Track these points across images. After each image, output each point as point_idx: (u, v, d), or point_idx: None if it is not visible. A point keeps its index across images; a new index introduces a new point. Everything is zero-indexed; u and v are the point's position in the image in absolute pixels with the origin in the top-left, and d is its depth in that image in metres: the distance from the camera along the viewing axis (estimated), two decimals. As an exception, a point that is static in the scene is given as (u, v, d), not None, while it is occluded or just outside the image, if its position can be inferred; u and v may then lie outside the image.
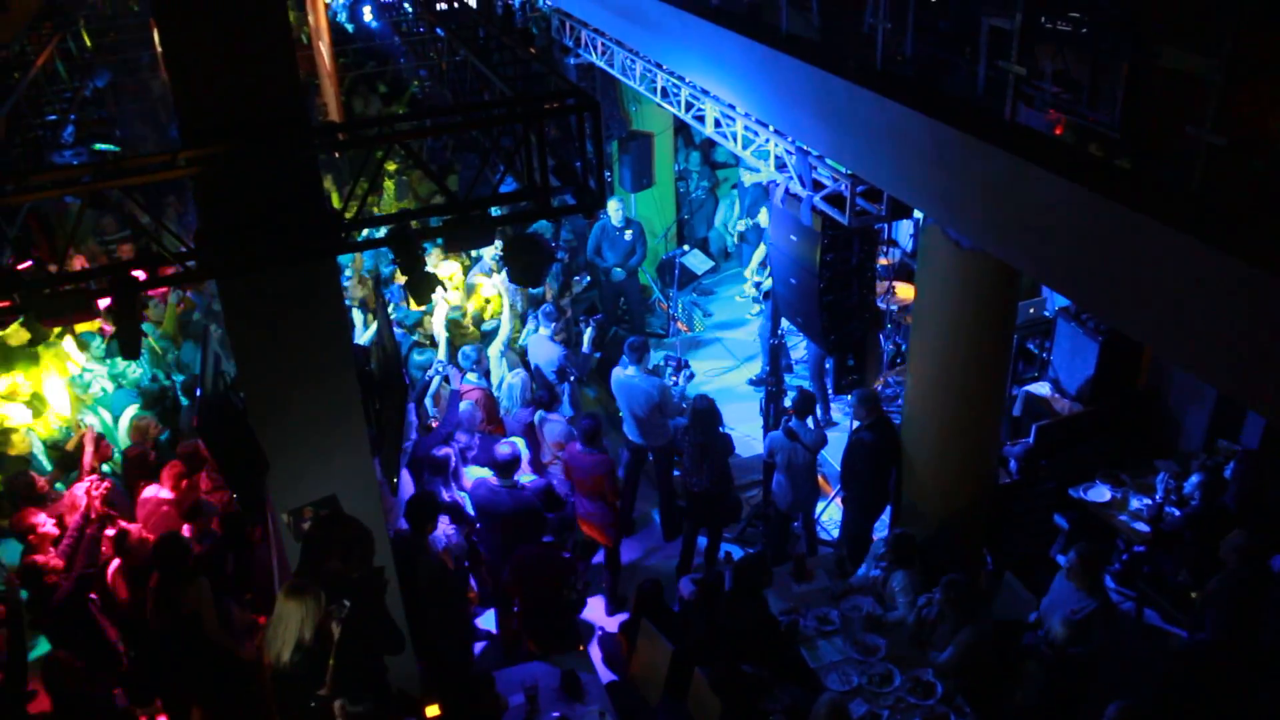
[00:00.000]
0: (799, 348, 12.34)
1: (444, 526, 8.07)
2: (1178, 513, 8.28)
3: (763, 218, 12.00)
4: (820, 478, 9.73)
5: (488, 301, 11.57)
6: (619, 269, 12.87)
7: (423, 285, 5.93)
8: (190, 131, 5.57)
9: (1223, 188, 4.01)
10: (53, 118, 9.04)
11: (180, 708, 7.34)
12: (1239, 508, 8.07)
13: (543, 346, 10.50)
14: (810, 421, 9.14)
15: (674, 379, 11.05)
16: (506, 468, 8.30)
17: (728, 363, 13.20)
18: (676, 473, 10.07)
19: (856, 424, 8.73)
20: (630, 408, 9.79)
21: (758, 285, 12.53)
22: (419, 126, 6.61)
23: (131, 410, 9.41)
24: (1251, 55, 3.90)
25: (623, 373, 9.76)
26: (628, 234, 12.73)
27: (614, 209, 12.59)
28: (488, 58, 7.73)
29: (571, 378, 10.52)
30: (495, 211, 6.11)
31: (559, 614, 8.01)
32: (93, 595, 7.50)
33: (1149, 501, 8.71)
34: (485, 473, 8.58)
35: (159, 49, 5.57)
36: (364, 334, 10.35)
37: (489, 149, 6.60)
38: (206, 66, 5.44)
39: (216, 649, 7.14)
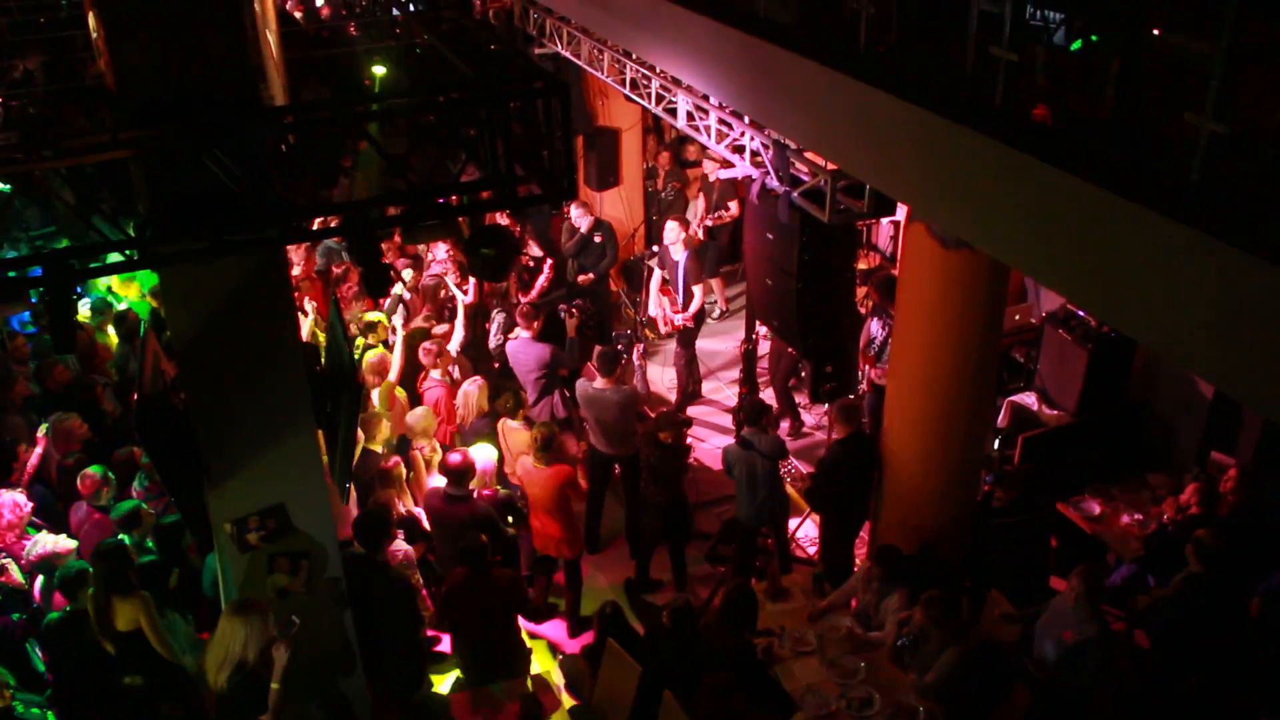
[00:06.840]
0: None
1: (399, 543, 7.64)
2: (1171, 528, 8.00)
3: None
4: (794, 493, 9.38)
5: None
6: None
7: (378, 277, 5.57)
8: (129, 111, 5.18)
9: (1224, 179, 3.71)
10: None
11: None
12: (1234, 521, 7.79)
13: (527, 348, 9.93)
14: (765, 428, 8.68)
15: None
16: (459, 476, 7.86)
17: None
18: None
19: (834, 436, 8.39)
20: (599, 417, 9.34)
21: None
22: (375, 110, 6.29)
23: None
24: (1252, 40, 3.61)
25: (590, 385, 9.29)
26: (597, 236, 12.31)
27: (582, 211, 12.17)
28: (449, 43, 7.39)
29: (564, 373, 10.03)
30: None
31: (501, 641, 7.50)
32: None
33: (1139, 516, 8.46)
34: (441, 482, 8.14)
35: (92, 30, 5.23)
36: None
37: (448, 136, 6.27)
38: (148, 38, 5.05)
39: (163, 665, 6.80)
